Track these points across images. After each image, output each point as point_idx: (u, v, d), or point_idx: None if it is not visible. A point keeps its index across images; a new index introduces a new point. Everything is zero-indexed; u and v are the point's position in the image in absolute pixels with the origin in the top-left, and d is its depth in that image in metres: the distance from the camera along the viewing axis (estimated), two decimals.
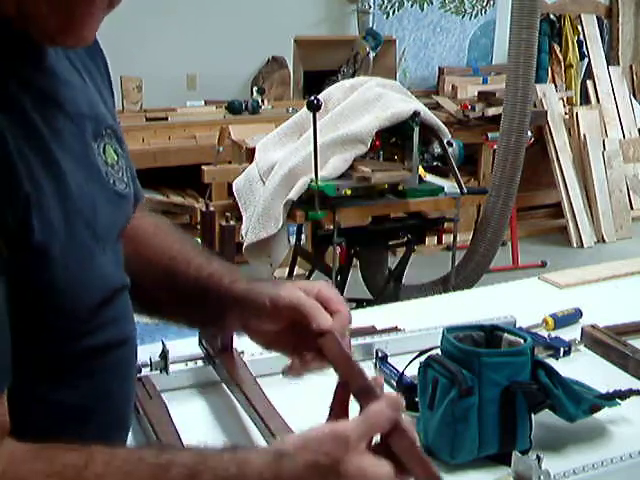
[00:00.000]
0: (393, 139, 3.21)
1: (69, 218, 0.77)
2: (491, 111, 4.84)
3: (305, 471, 0.75)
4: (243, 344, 1.26)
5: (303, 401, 1.16)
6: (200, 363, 1.32)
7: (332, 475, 0.74)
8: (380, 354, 1.40)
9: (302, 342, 0.93)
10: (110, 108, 0.95)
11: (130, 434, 1.19)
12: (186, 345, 1.41)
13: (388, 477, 0.77)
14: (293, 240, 3.47)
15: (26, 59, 0.78)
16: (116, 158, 0.90)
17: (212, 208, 1.26)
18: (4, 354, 0.73)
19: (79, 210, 0.79)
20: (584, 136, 5.36)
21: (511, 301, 1.74)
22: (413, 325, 1.51)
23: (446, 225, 3.42)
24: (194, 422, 1.21)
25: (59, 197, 0.77)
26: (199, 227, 1.35)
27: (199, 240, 2.83)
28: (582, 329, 1.53)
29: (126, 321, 0.91)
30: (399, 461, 0.78)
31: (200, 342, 1.35)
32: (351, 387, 0.83)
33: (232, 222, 1.18)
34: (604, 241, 5.30)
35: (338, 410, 0.83)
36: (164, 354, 1.27)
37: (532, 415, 1.14)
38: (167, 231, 1.08)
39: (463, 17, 6.07)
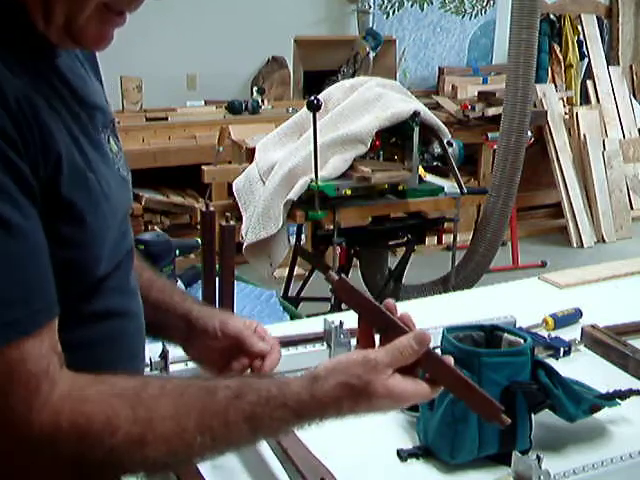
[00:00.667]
0: (393, 139, 3.21)
1: (91, 186, 0.83)
2: (491, 111, 4.84)
3: (337, 391, 0.86)
4: None
5: None
6: None
7: (362, 395, 0.86)
8: None
9: (231, 362, 1.09)
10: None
11: None
12: None
13: (414, 395, 0.89)
14: (293, 240, 3.47)
15: (46, 51, 0.83)
16: (117, 149, 0.95)
17: (212, 208, 1.26)
18: (51, 282, 0.77)
19: (99, 182, 0.84)
20: (584, 136, 5.36)
21: (511, 301, 1.74)
22: None
23: (446, 225, 3.42)
24: None
25: (83, 167, 0.82)
26: (199, 227, 1.35)
27: (199, 240, 2.84)
28: (582, 329, 1.53)
29: (128, 296, 0.96)
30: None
31: None
32: (376, 323, 0.92)
33: (232, 222, 1.18)
34: (604, 241, 5.30)
35: (364, 341, 0.95)
36: (164, 354, 1.27)
37: (532, 415, 1.14)
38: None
39: (463, 17, 6.07)
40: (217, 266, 1.86)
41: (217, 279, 1.59)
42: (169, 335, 1.15)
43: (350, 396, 0.86)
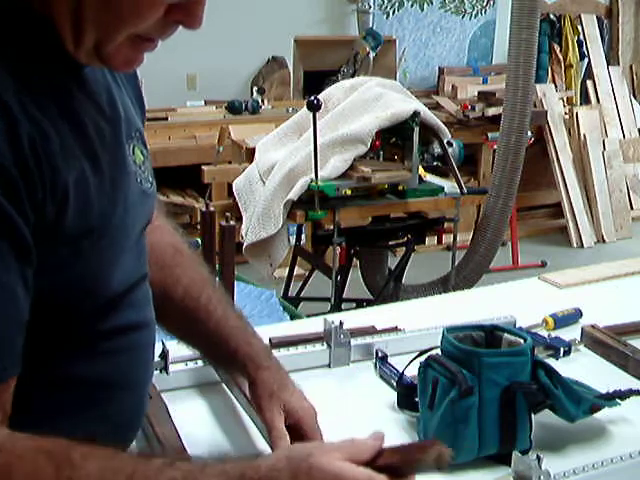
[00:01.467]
0: (393, 139, 3.21)
1: (105, 212, 0.84)
2: (491, 111, 4.84)
3: (276, 461, 0.77)
4: None
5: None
6: (200, 363, 1.32)
7: (302, 464, 0.76)
8: (380, 354, 1.40)
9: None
10: (138, 111, 1.00)
11: None
12: None
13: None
14: (293, 240, 3.47)
15: (72, 65, 0.83)
16: (142, 159, 0.95)
17: (212, 208, 1.26)
18: (12, 341, 0.76)
19: (114, 205, 0.85)
20: (584, 136, 5.36)
21: (511, 301, 1.74)
22: (413, 325, 1.51)
23: (446, 225, 3.42)
24: (194, 422, 1.21)
25: (99, 190, 0.83)
26: (199, 227, 1.35)
27: (199, 240, 2.84)
28: (582, 329, 1.53)
29: (145, 307, 0.97)
30: None
31: None
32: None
33: (232, 222, 1.18)
34: (604, 241, 5.30)
35: None
36: (164, 354, 1.27)
37: (532, 415, 1.14)
38: (187, 264, 1.15)
39: (463, 17, 6.07)
40: (217, 266, 1.86)
41: (217, 279, 1.60)
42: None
43: (288, 466, 0.76)
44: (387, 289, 3.48)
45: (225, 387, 1.31)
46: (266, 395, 1.07)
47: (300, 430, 1.05)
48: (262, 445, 1.14)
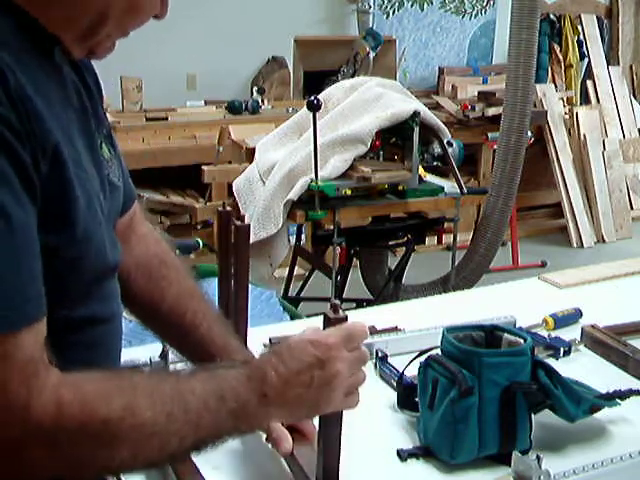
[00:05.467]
0: (393, 139, 3.21)
1: (87, 189, 0.84)
2: (491, 111, 4.84)
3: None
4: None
5: None
6: None
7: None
8: (380, 354, 1.40)
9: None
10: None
11: None
12: None
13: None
14: (293, 240, 3.47)
15: (46, 56, 0.86)
16: (110, 155, 0.97)
17: (229, 208, 1.25)
18: (40, 281, 0.77)
19: (92, 187, 0.86)
20: (584, 136, 5.36)
21: (511, 301, 1.74)
22: (413, 325, 1.51)
23: (446, 225, 3.42)
24: None
25: (76, 167, 0.83)
26: (216, 227, 1.34)
27: (199, 240, 2.84)
28: (582, 329, 1.53)
29: (113, 301, 0.97)
30: None
31: None
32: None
33: (247, 221, 1.18)
34: (604, 241, 5.30)
35: None
36: (164, 354, 1.27)
37: (532, 415, 1.14)
38: (172, 276, 1.16)
39: (463, 17, 6.07)
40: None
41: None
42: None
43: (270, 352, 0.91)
44: (387, 289, 3.48)
45: None
46: None
47: (294, 426, 1.05)
48: (264, 444, 1.14)
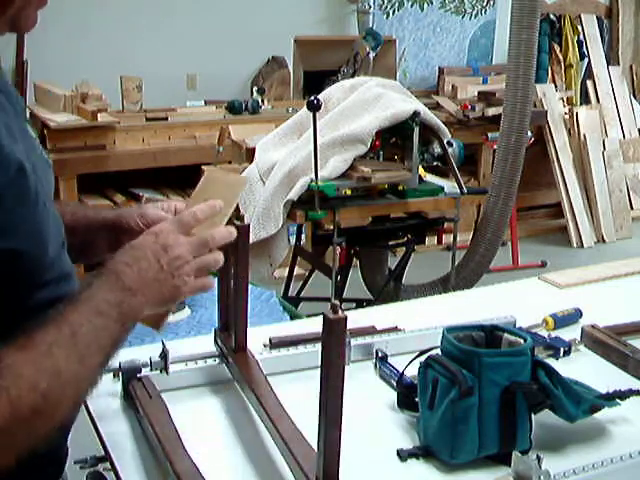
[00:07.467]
0: (393, 139, 3.21)
1: (35, 169, 0.88)
2: (491, 111, 4.84)
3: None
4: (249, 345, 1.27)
5: (308, 401, 1.16)
6: (200, 363, 1.32)
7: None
8: (380, 354, 1.40)
9: None
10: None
11: (130, 434, 1.19)
12: (186, 345, 1.41)
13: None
14: (293, 240, 3.47)
15: None
16: (35, 136, 1.01)
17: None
18: None
19: (34, 166, 0.90)
20: (584, 136, 5.36)
21: (511, 301, 1.74)
22: (413, 325, 1.51)
23: (446, 225, 3.42)
24: (194, 422, 1.21)
25: (24, 152, 0.87)
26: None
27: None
28: (582, 329, 1.53)
29: (73, 278, 1.02)
30: None
31: (215, 341, 1.35)
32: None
33: (246, 221, 1.18)
34: (604, 241, 5.30)
35: None
36: (164, 354, 1.27)
37: (532, 415, 1.14)
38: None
39: (463, 17, 6.07)
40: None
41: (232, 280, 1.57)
42: (96, 249, 1.18)
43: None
44: (387, 289, 3.48)
45: (224, 387, 1.31)
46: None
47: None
48: (264, 444, 1.14)
